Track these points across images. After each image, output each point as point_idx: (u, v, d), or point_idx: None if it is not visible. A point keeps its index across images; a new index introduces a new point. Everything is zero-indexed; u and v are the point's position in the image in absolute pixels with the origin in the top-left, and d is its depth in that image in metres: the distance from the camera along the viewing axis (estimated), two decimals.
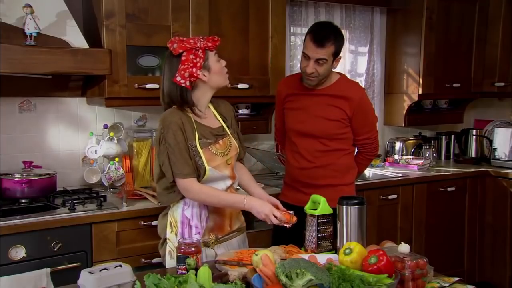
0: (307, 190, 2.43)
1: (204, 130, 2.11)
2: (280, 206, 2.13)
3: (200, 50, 2.06)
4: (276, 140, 3.07)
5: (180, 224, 2.12)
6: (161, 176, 2.12)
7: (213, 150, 2.11)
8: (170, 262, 2.12)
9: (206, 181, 2.10)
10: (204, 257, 2.07)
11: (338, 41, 2.46)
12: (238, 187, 2.35)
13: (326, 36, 2.41)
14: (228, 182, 2.18)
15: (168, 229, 2.15)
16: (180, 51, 2.05)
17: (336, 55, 2.47)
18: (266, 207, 2.04)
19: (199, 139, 2.07)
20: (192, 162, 2.05)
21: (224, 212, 2.18)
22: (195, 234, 2.10)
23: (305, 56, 2.46)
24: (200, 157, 2.06)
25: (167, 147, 2.03)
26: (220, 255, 2.04)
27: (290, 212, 2.06)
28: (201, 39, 2.09)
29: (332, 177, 2.56)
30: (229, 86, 2.25)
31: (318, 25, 2.59)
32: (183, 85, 2.05)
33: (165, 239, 2.17)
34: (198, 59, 2.05)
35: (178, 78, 2.05)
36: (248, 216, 2.23)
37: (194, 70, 2.05)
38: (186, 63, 2.04)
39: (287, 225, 2.03)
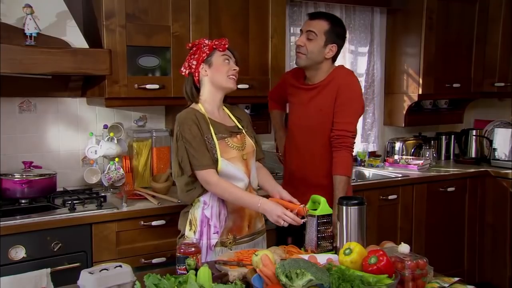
0: (306, 189, 2.42)
1: (219, 127, 2.19)
2: (295, 200, 2.11)
3: (207, 47, 2.18)
4: (268, 96, 2.98)
5: (200, 223, 2.16)
6: (180, 173, 2.17)
7: (229, 143, 2.17)
8: None
9: (221, 175, 2.13)
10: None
11: (333, 23, 2.49)
12: (259, 187, 2.35)
13: (321, 13, 2.57)
14: (246, 180, 2.20)
15: (188, 227, 2.19)
16: (190, 45, 2.24)
17: (328, 38, 2.47)
18: (278, 209, 2.03)
19: (215, 133, 2.14)
20: (210, 154, 2.11)
21: (244, 213, 2.21)
22: (214, 233, 2.16)
23: (300, 34, 2.55)
24: (216, 149, 2.12)
25: (184, 142, 2.11)
26: (220, 255, 2.05)
27: (301, 205, 2.05)
28: (218, 40, 2.21)
29: (330, 176, 2.53)
30: (235, 88, 2.25)
31: None
32: (183, 73, 2.23)
33: (183, 235, 2.21)
34: (201, 54, 2.18)
35: (182, 68, 2.24)
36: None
37: (193, 62, 2.19)
38: (190, 56, 2.22)
39: (302, 221, 2.01)
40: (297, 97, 2.62)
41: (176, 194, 2.36)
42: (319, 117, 2.51)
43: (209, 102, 2.22)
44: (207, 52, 2.17)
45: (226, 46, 2.20)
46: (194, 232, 2.16)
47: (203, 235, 2.16)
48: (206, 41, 2.20)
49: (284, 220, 2.00)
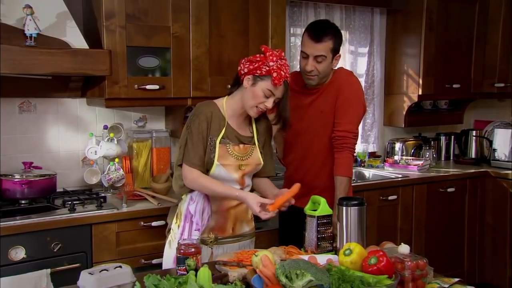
0: (307, 192, 2.40)
1: (231, 132, 2.17)
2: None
3: (266, 69, 2.06)
4: None
5: (184, 217, 2.19)
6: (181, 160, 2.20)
7: (229, 149, 2.15)
8: (168, 250, 2.21)
9: (213, 177, 2.13)
10: None
11: (336, 37, 2.46)
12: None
13: (323, 31, 2.42)
14: (237, 188, 2.17)
15: (174, 220, 2.23)
16: (263, 49, 2.11)
17: (335, 52, 2.46)
18: (253, 198, 2.02)
19: (222, 137, 2.14)
20: (204, 156, 2.12)
21: (228, 215, 2.22)
22: (195, 230, 2.17)
23: (303, 55, 2.46)
24: (215, 153, 2.12)
25: (188, 132, 2.14)
26: (220, 255, 2.05)
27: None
28: (282, 71, 2.07)
29: (331, 178, 2.52)
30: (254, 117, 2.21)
31: (315, 22, 2.60)
32: (238, 67, 2.14)
33: (170, 229, 2.25)
34: (257, 69, 2.07)
35: (243, 62, 2.14)
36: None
37: (247, 68, 2.10)
38: (250, 61, 2.10)
39: (283, 208, 2.01)
40: (297, 100, 2.60)
41: (176, 194, 2.36)
42: (320, 119, 2.51)
43: (233, 105, 2.18)
44: (263, 72, 2.06)
45: (279, 85, 2.07)
46: (178, 226, 2.20)
47: (185, 230, 2.18)
48: (271, 63, 2.05)
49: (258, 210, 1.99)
